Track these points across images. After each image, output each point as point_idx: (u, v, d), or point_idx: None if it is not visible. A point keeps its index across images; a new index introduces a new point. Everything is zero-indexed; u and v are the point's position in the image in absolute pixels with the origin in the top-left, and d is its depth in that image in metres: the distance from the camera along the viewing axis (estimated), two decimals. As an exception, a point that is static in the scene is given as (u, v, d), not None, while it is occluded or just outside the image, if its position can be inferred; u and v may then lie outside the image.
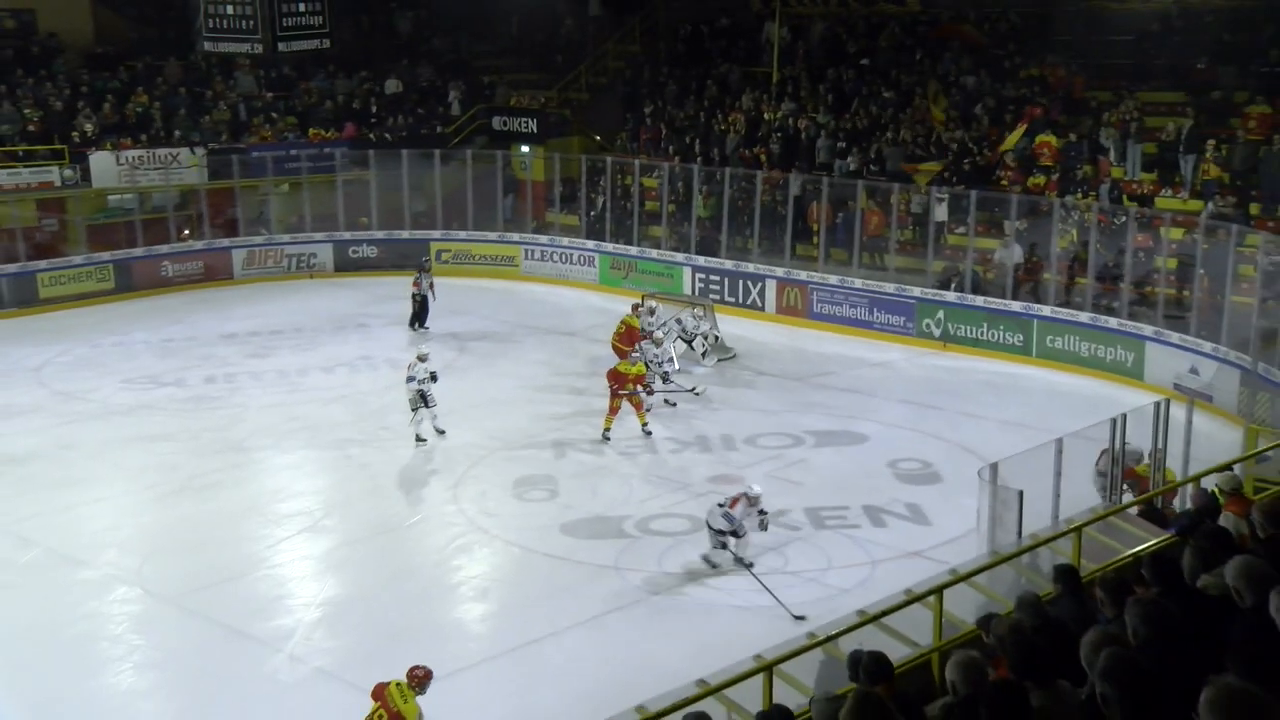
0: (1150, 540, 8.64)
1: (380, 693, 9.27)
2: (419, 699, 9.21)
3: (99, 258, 26.55)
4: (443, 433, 17.46)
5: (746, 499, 13.29)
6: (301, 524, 15.11)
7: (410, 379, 17.15)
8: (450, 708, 10.65)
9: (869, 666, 5.85)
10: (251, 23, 27.90)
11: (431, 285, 23.55)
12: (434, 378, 17.21)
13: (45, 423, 18.57)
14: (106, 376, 20.94)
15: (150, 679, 11.75)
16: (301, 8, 27.91)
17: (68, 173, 26.80)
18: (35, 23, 29.85)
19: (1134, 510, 10.72)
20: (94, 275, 26.34)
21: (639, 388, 17.42)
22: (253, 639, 12.15)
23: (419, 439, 17.31)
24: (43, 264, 25.88)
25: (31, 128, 27.19)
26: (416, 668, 9.37)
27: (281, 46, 28.38)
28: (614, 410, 17.39)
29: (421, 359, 17.36)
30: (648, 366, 18.25)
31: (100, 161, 27.06)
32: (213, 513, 15.38)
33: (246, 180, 28.66)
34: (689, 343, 21.13)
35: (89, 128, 27.70)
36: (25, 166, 26.53)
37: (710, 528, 13.31)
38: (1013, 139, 23.74)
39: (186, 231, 28.23)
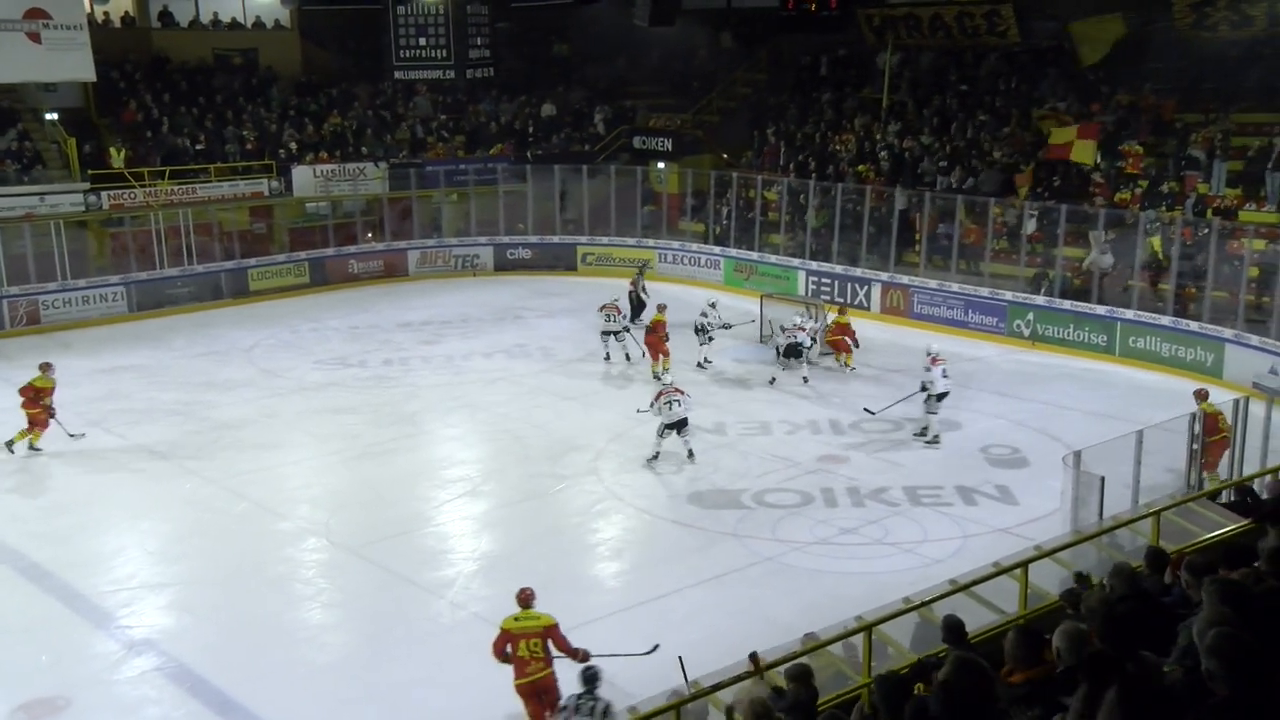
0: (1227, 525, 8.24)
1: (508, 640, 9.19)
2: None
3: (298, 256, 27.47)
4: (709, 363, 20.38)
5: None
6: (463, 488, 15.37)
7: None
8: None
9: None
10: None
11: (644, 287, 23.81)
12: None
13: (254, 395, 19.28)
14: (303, 357, 21.64)
15: (335, 615, 12.11)
16: (422, 41, 28.65)
17: (274, 184, 27.78)
18: (257, 59, 31.00)
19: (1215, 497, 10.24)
20: (294, 271, 27.23)
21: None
22: (419, 586, 12.43)
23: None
24: (253, 261, 26.84)
25: (249, 146, 28.26)
26: (520, 591, 9.48)
27: (399, 75, 29.40)
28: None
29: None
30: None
31: (301, 174, 27.97)
32: (388, 476, 15.77)
33: (422, 191, 29.33)
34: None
35: (293, 145, 28.66)
36: (243, 179, 27.58)
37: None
38: (1083, 151, 22.96)
39: (370, 234, 29.00)
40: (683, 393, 15.69)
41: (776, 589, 12.23)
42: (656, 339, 19.63)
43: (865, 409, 16.94)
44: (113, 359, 21.52)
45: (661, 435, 15.67)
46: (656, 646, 9.89)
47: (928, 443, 16.49)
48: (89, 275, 24.82)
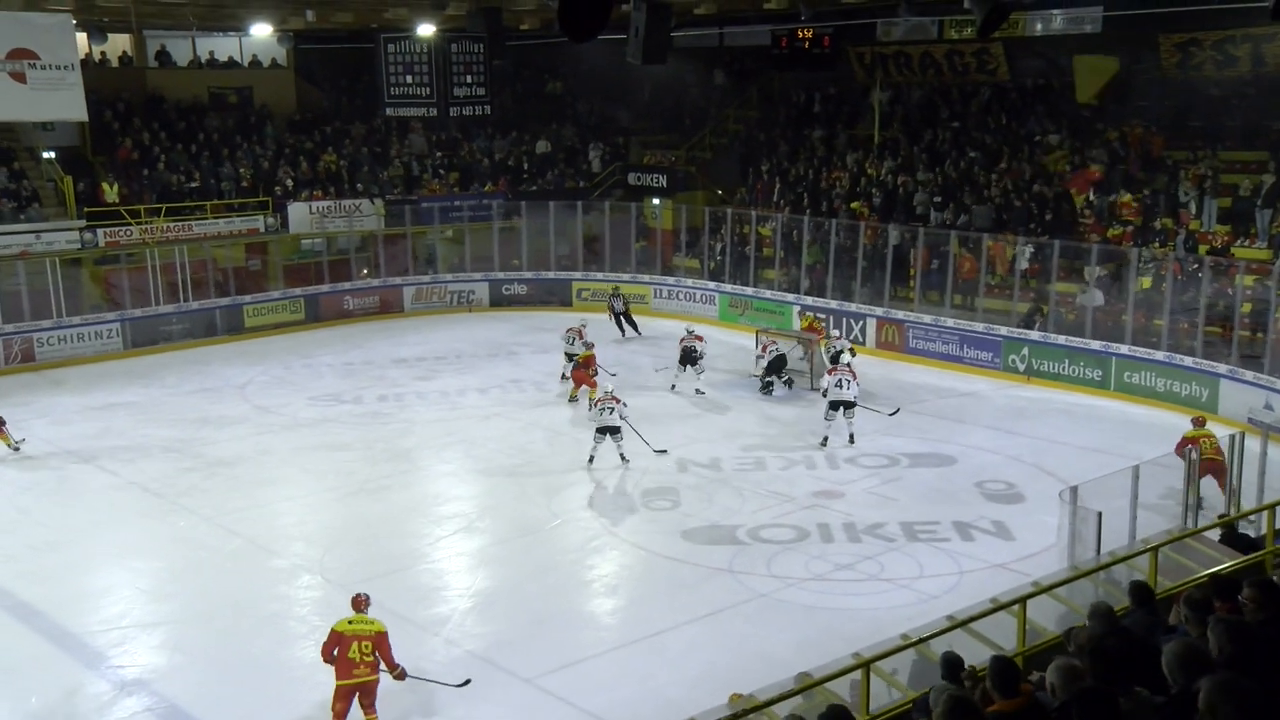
0: (1226, 561, 8.22)
1: (338, 642, 9.58)
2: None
3: (293, 292, 27.49)
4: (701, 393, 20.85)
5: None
6: (458, 524, 15.31)
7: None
8: (583, 688, 10.72)
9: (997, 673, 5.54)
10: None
11: (626, 304, 25.62)
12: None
13: (247, 432, 19.22)
14: (297, 394, 21.59)
15: (329, 653, 12.00)
16: (409, 79, 28.95)
17: (270, 220, 27.85)
18: (252, 97, 31.21)
19: (1213, 533, 10.22)
20: (288, 307, 27.24)
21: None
22: (414, 624, 12.32)
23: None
24: (248, 298, 26.87)
25: (244, 183, 28.38)
26: (355, 596, 9.99)
27: (390, 111, 29.81)
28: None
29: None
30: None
31: (296, 211, 28.05)
32: (383, 513, 15.69)
33: (417, 227, 29.44)
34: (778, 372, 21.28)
35: (289, 182, 28.77)
36: (238, 216, 27.67)
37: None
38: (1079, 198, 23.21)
39: (366, 271, 29.03)
40: (619, 401, 16.95)
41: (772, 625, 12.15)
42: (584, 374, 20.01)
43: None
44: (106, 396, 21.47)
45: (596, 440, 16.97)
46: (468, 680, 10.43)
47: (819, 445, 17.71)
48: (84, 312, 24.82)
